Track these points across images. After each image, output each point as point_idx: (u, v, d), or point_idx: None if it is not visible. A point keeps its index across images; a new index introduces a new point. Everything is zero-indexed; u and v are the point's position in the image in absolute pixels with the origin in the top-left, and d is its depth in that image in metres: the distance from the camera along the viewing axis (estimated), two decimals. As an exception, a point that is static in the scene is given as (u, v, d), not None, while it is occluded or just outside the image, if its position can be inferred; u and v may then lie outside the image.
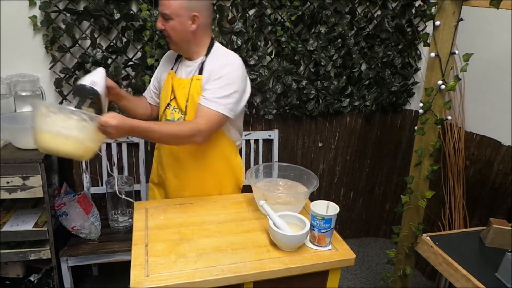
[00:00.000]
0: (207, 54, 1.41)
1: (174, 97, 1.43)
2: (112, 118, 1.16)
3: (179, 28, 1.35)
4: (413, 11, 2.28)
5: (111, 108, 1.74)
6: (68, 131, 1.14)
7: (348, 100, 2.37)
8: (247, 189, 1.40)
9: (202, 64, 1.40)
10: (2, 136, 1.71)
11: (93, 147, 1.20)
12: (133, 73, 2.00)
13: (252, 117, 2.28)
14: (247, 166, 2.33)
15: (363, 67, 2.35)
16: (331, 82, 2.29)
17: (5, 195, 1.62)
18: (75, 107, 1.22)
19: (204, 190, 1.51)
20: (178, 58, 1.50)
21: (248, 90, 1.45)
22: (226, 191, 1.55)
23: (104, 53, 1.90)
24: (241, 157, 2.29)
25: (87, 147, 1.19)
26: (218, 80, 1.35)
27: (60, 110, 1.14)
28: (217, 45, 1.45)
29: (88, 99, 1.26)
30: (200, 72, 1.39)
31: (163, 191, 1.62)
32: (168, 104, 1.45)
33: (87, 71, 1.91)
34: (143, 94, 1.65)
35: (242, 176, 1.60)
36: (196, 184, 1.51)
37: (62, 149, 1.15)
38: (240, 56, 2.03)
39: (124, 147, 2.12)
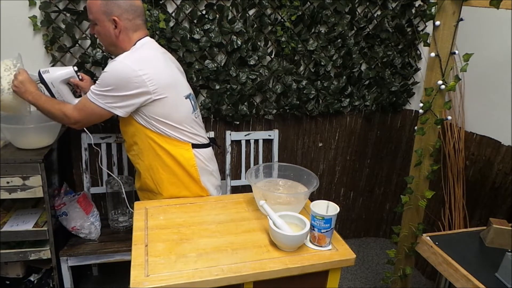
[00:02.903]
0: None
1: None
2: (24, 75, 1.45)
3: (103, 33, 1.41)
4: (413, 11, 2.28)
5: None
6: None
7: (348, 100, 2.37)
8: (247, 189, 1.40)
9: None
10: (2, 136, 1.71)
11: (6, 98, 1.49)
12: (133, 73, 2.00)
13: (252, 117, 2.28)
14: (247, 166, 2.33)
15: (363, 67, 2.35)
16: (331, 82, 2.29)
17: (5, 195, 1.62)
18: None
19: (162, 189, 1.52)
20: None
21: (144, 89, 1.35)
22: (186, 187, 1.53)
23: (104, 53, 1.90)
24: (240, 156, 2.31)
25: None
26: (99, 77, 1.38)
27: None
28: (137, 44, 1.43)
29: (41, 83, 1.52)
30: None
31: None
32: None
33: (87, 71, 1.91)
34: None
35: (195, 171, 1.52)
36: (152, 184, 1.53)
37: None
38: (240, 56, 2.05)
39: (124, 147, 2.11)
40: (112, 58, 1.91)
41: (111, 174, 2.10)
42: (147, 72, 1.34)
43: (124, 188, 1.90)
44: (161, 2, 1.89)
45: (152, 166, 1.50)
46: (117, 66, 1.34)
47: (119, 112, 1.39)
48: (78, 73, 1.57)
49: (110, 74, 1.34)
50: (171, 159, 1.48)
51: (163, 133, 1.45)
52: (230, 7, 1.99)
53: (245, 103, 2.18)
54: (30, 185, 1.62)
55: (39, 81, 1.51)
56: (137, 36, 1.44)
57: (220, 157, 2.30)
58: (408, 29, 2.31)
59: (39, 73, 1.51)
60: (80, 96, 1.59)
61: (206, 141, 1.60)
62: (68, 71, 1.54)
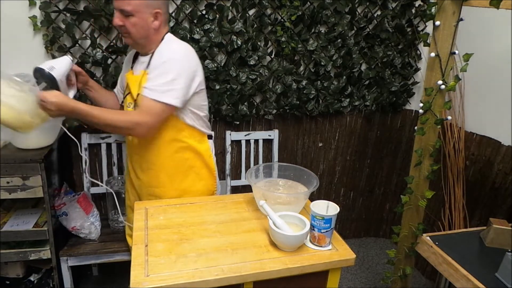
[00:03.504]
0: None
1: (129, 93, 1.46)
2: (52, 96, 1.23)
3: (141, 25, 1.36)
4: (413, 11, 2.28)
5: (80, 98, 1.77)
6: (5, 98, 1.15)
7: (348, 100, 2.37)
8: (247, 189, 1.40)
9: (150, 58, 1.41)
10: (2, 136, 1.71)
11: (31, 121, 1.21)
12: (133, 73, 2.00)
13: (252, 117, 2.28)
14: (247, 166, 2.33)
15: (363, 67, 2.35)
16: (331, 82, 2.29)
17: (5, 195, 1.62)
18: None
19: (176, 183, 1.51)
20: (136, 56, 1.51)
21: (198, 77, 1.41)
22: (200, 179, 1.55)
23: (104, 53, 1.90)
24: (240, 156, 2.31)
25: (25, 120, 1.20)
26: (158, 70, 1.34)
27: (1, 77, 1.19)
28: (167, 37, 1.45)
29: (44, 82, 1.29)
30: (148, 67, 1.40)
31: (135, 191, 1.61)
32: (123, 100, 1.52)
33: (87, 71, 1.91)
34: (114, 90, 1.70)
35: (212, 161, 1.58)
36: (166, 178, 1.50)
37: None
38: (240, 56, 2.06)
39: (124, 147, 2.11)
40: (112, 58, 1.93)
41: (96, 181, 2.09)
42: (197, 62, 1.40)
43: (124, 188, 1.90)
44: (161, 2, 1.89)
45: (170, 159, 1.48)
46: (178, 56, 1.36)
47: (181, 105, 1.37)
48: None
49: (174, 63, 1.34)
50: (192, 150, 1.50)
51: (191, 125, 1.47)
52: (230, 7, 1.99)
53: (245, 103, 2.18)
54: (30, 185, 1.62)
55: (35, 81, 1.32)
56: (166, 30, 1.46)
57: (220, 157, 2.30)
58: (408, 29, 2.31)
59: (42, 71, 1.30)
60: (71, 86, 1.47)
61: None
62: (68, 61, 1.40)
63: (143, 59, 1.45)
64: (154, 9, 1.36)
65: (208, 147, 1.55)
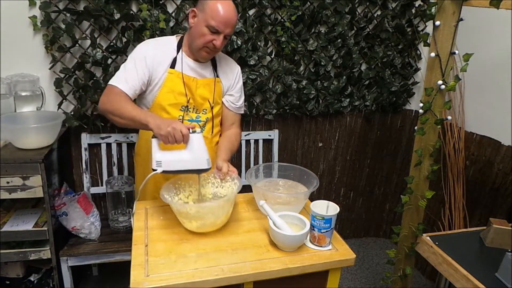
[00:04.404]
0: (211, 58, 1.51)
1: (191, 97, 1.47)
2: (234, 172, 1.35)
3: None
4: (413, 11, 2.28)
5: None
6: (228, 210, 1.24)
7: (348, 100, 2.37)
8: (247, 189, 1.40)
9: (215, 67, 1.52)
10: (2, 136, 1.71)
11: None
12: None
13: (252, 117, 2.28)
14: (247, 166, 2.33)
15: (363, 67, 2.35)
16: (331, 82, 2.29)
17: (5, 195, 1.62)
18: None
19: None
20: (175, 57, 1.45)
21: None
22: None
23: (104, 53, 1.90)
24: (240, 157, 2.31)
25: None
26: (240, 85, 1.60)
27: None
28: None
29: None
30: (217, 75, 1.53)
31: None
32: (187, 106, 1.48)
33: (87, 71, 1.91)
34: (125, 91, 1.38)
35: None
36: None
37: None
38: (240, 56, 2.06)
39: (124, 147, 2.11)
40: (112, 58, 1.92)
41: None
42: None
43: (124, 188, 1.90)
44: (161, 2, 1.89)
45: None
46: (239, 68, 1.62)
47: None
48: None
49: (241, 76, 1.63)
50: None
51: None
52: (230, 7, 1.99)
53: (245, 103, 2.18)
54: (30, 185, 1.62)
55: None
56: None
57: (220, 157, 2.30)
58: (408, 29, 2.31)
59: (205, 170, 1.25)
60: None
61: None
62: (199, 137, 1.24)
63: (199, 65, 1.48)
64: None
65: None
